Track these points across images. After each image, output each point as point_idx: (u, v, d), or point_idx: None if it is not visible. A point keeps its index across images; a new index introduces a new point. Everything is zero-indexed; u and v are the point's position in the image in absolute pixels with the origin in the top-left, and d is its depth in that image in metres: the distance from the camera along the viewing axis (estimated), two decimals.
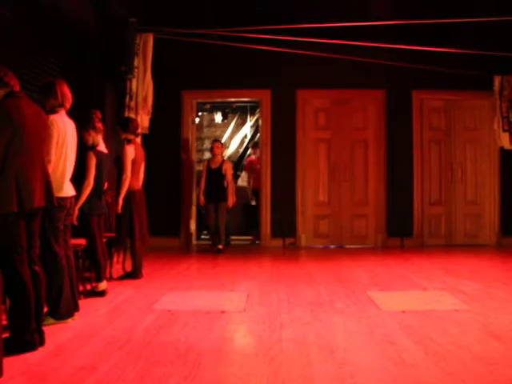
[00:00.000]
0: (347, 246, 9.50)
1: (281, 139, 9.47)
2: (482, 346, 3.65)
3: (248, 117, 12.95)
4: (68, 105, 4.42)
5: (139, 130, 6.84)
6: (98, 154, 5.34)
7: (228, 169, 8.82)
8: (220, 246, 8.55)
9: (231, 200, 8.74)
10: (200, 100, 10.40)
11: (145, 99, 7.67)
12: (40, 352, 3.50)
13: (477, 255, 8.41)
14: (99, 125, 5.38)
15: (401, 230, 9.44)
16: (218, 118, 12.81)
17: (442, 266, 7.26)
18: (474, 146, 9.79)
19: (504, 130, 9.40)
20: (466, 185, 9.78)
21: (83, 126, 5.25)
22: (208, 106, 12.42)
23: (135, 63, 7.48)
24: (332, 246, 9.56)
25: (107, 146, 5.70)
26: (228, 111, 12.75)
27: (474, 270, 7.00)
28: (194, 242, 9.71)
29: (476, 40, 8.40)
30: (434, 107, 9.72)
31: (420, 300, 5.16)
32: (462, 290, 5.50)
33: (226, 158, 10.78)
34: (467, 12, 7.65)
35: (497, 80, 9.38)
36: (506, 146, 9.41)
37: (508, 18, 7.17)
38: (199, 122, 12.29)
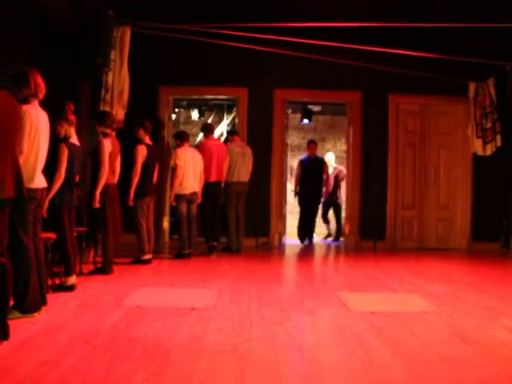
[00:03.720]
0: (320, 247, 9.54)
1: (258, 138, 9.45)
2: (450, 347, 3.69)
3: (225, 115, 12.90)
4: (41, 95, 4.35)
5: (115, 125, 6.79)
6: (71, 146, 5.26)
7: None
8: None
9: None
10: (177, 96, 10.30)
11: (121, 93, 7.58)
12: (4, 346, 3.42)
13: (447, 259, 8.50)
14: (72, 117, 5.31)
15: (374, 232, 9.49)
16: (195, 115, 12.73)
17: (412, 269, 7.33)
18: (447, 150, 9.90)
19: (477, 137, 9.53)
20: (439, 189, 9.88)
21: (56, 118, 5.17)
22: (185, 103, 12.32)
23: (112, 56, 7.39)
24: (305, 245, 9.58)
25: (80, 139, 5.63)
26: (205, 109, 12.67)
27: (443, 274, 7.08)
28: (167, 239, 9.63)
29: (453, 46, 8.50)
30: (410, 111, 9.80)
31: (390, 301, 5.19)
32: (431, 293, 5.55)
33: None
34: (445, 18, 7.75)
35: (471, 87, 9.51)
36: (479, 152, 9.54)
37: (483, 25, 7.28)
38: (176, 118, 12.21)
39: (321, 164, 10.26)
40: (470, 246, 9.67)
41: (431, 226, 9.83)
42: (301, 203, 10.12)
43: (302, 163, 10.22)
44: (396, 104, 9.71)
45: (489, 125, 9.45)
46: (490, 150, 9.49)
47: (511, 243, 9.40)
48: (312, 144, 10.40)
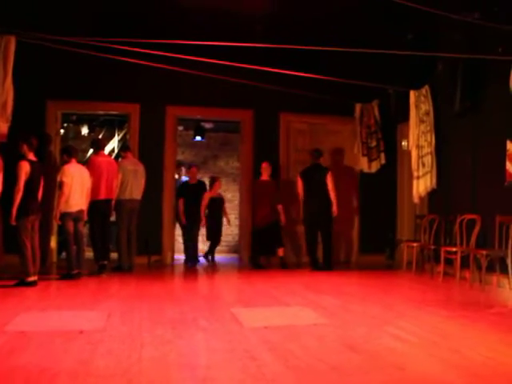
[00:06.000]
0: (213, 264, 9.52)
1: (149, 154, 9.31)
2: (339, 357, 3.78)
3: (116, 131, 12.62)
4: None
5: None
6: None
7: None
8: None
9: None
10: (66, 111, 9.96)
11: (4, 106, 7.17)
12: None
13: (337, 272, 8.77)
14: None
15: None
16: (85, 130, 12.36)
17: (304, 283, 7.49)
18: (336, 168, 10.26)
19: (363, 155, 10.03)
20: None
21: None
22: (74, 118, 11.93)
23: None
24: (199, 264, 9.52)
25: None
26: (95, 124, 12.35)
27: (334, 286, 7.30)
28: (54, 260, 9.21)
29: (340, 69, 8.83)
30: (300, 130, 10.11)
31: (282, 316, 5.26)
32: (322, 305, 5.70)
33: None
34: (334, 42, 8.06)
35: (357, 107, 10.02)
36: (365, 169, 10.04)
37: (369, 51, 7.66)
38: (64, 133, 11.77)
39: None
40: (358, 258, 10.08)
41: None
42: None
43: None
44: (287, 123, 9.98)
45: (373, 143, 9.97)
46: (375, 167, 10.01)
47: (396, 255, 9.93)
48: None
